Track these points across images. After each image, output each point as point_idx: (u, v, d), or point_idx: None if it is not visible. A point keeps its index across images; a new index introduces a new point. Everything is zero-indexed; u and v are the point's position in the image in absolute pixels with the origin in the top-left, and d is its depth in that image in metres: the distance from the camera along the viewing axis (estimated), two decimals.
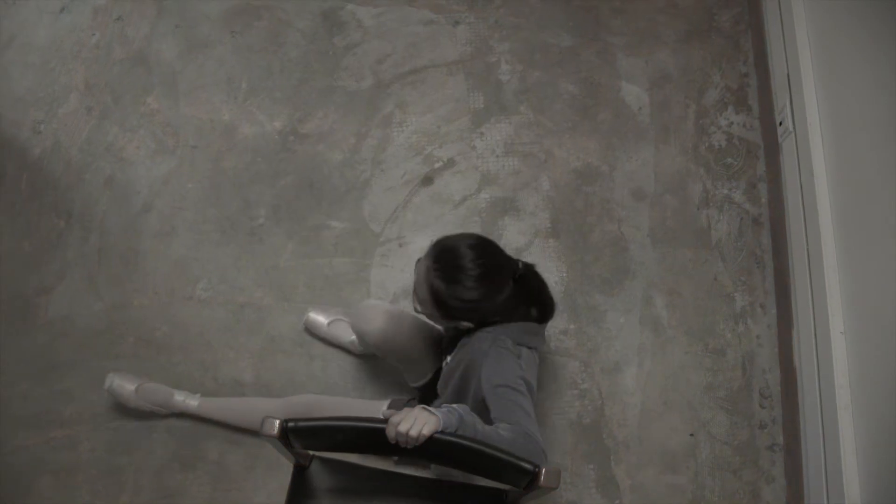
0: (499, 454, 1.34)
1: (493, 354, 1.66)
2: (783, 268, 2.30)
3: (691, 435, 2.21)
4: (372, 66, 2.65)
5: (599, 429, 2.21)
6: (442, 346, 1.97)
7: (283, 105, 2.60)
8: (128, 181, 2.51)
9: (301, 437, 1.40)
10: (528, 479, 1.35)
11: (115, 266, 2.40)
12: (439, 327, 2.00)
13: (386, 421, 1.36)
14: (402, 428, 1.34)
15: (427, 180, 2.49)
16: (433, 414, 1.38)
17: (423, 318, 1.79)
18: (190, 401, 2.14)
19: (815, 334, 2.03)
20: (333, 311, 2.28)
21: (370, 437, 1.39)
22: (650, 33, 2.69)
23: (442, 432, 1.37)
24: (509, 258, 1.72)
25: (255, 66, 2.66)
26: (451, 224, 2.43)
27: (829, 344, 1.94)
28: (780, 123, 2.36)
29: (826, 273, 1.99)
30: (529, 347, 1.74)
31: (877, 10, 1.93)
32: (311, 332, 2.29)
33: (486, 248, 1.67)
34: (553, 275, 2.36)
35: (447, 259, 1.64)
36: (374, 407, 2.01)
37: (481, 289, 1.63)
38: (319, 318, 2.26)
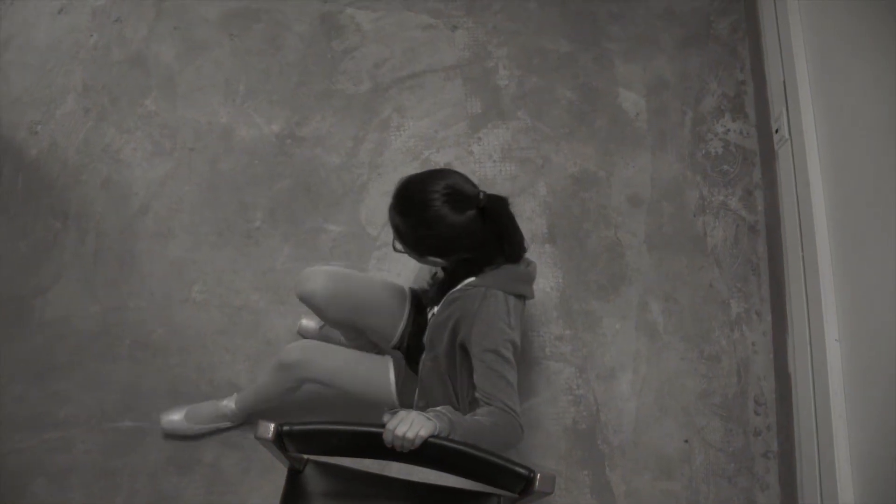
0: (493, 459, 1.34)
1: (483, 314, 1.62)
2: (779, 275, 2.30)
3: (686, 441, 2.21)
4: (370, 70, 2.65)
5: (594, 435, 2.21)
6: (421, 298, 1.94)
7: (281, 108, 2.60)
8: (125, 183, 2.51)
9: (296, 440, 1.40)
10: (522, 483, 1.35)
11: (112, 268, 2.40)
12: (401, 285, 1.97)
13: (381, 425, 1.36)
14: (399, 431, 1.34)
15: None
16: (429, 419, 1.39)
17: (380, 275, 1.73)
18: (231, 403, 2.13)
19: (810, 341, 2.04)
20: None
21: (365, 441, 1.39)
22: (648, 40, 2.70)
23: (437, 436, 1.37)
24: (473, 188, 1.61)
25: (253, 69, 2.66)
26: None
27: (824, 351, 1.94)
28: (777, 131, 2.37)
29: (821, 280, 2.00)
30: (518, 296, 1.69)
31: (872, 19, 1.94)
32: (306, 337, 2.29)
33: (449, 181, 1.58)
34: (549, 280, 2.36)
35: (402, 192, 1.60)
36: (375, 359, 1.95)
37: (440, 219, 1.55)
38: (311, 325, 2.28)
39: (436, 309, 1.78)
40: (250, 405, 2.09)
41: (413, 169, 2.50)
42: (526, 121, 2.58)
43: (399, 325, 1.95)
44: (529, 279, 1.78)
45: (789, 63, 2.29)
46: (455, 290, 1.72)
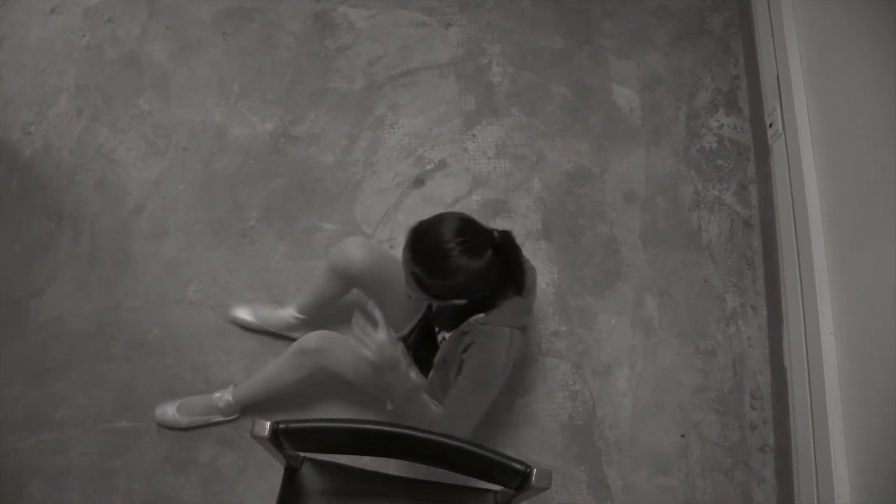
0: (490, 455, 1.34)
1: (486, 349, 1.70)
2: (774, 269, 2.31)
3: (682, 436, 2.21)
4: (364, 68, 2.65)
5: (591, 430, 2.22)
6: (434, 316, 1.98)
7: (275, 107, 2.60)
8: (119, 183, 2.50)
9: (292, 438, 1.39)
10: (519, 479, 1.35)
11: (107, 268, 2.39)
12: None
13: (377, 423, 1.36)
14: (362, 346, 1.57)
15: (419, 182, 2.49)
16: (393, 351, 1.59)
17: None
18: (226, 396, 2.13)
19: (806, 335, 2.04)
20: (250, 302, 2.32)
21: (362, 439, 1.39)
22: (641, 36, 2.70)
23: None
24: (484, 230, 1.65)
25: (247, 68, 2.66)
26: None
27: (819, 345, 1.95)
28: (771, 125, 2.37)
29: (816, 274, 2.00)
30: (522, 328, 1.76)
31: (865, 13, 1.95)
32: (244, 326, 2.30)
33: (460, 226, 1.61)
34: (545, 276, 2.36)
35: (417, 245, 1.62)
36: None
37: (460, 268, 1.58)
38: (243, 312, 2.29)
39: (446, 334, 1.84)
40: (252, 395, 2.10)
41: (407, 166, 2.50)
42: (520, 117, 2.58)
43: (413, 318, 2.02)
44: (529, 309, 1.83)
45: (783, 57, 2.30)
46: (467, 323, 1.75)
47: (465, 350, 1.73)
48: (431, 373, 1.89)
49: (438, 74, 2.64)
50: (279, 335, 2.26)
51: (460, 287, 1.63)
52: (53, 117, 2.59)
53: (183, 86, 2.63)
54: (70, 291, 2.36)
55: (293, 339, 2.06)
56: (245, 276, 2.38)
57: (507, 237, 1.65)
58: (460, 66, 2.65)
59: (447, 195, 2.47)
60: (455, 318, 1.79)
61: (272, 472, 2.05)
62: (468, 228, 1.61)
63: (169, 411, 2.17)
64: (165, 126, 2.58)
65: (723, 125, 2.58)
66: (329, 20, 2.72)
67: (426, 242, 1.61)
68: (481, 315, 1.73)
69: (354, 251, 1.98)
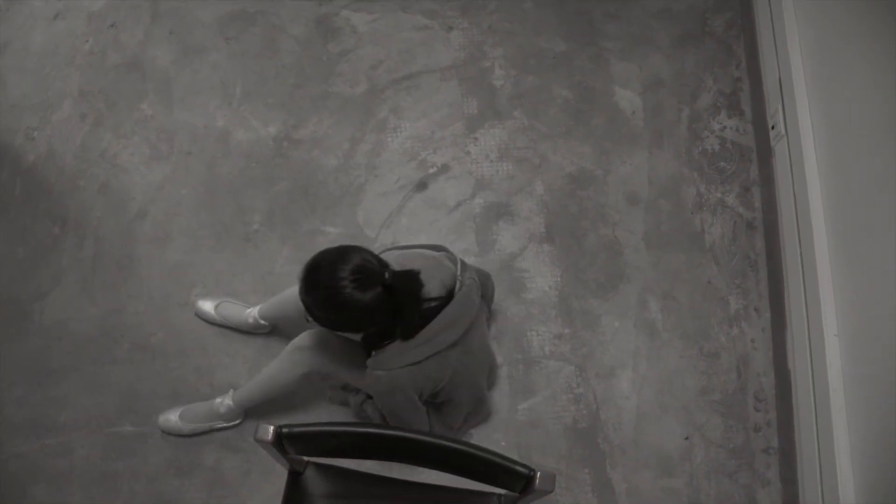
0: (494, 458, 1.34)
1: (383, 396, 1.81)
2: (777, 271, 2.30)
3: (686, 438, 2.21)
4: (366, 72, 2.65)
5: (595, 433, 2.21)
6: None
7: (278, 111, 2.60)
8: (122, 187, 2.51)
9: (295, 442, 1.39)
10: (523, 482, 1.34)
11: (110, 272, 2.40)
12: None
13: (380, 426, 1.37)
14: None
15: (421, 185, 2.50)
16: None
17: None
18: (226, 400, 2.13)
19: (809, 337, 2.04)
20: (219, 296, 2.34)
21: (365, 442, 1.39)
22: (644, 38, 2.70)
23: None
24: (376, 266, 1.62)
25: (250, 72, 2.66)
26: (445, 229, 2.43)
27: (823, 346, 1.94)
28: (773, 127, 2.37)
29: (819, 275, 2.00)
30: (417, 362, 1.75)
31: (867, 14, 1.95)
32: (205, 319, 2.32)
33: (347, 259, 1.61)
34: (547, 279, 2.36)
35: (311, 276, 1.62)
36: None
37: (347, 304, 1.58)
38: (206, 305, 2.31)
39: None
40: (252, 398, 2.10)
41: (410, 170, 2.51)
42: (522, 120, 2.58)
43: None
44: (444, 327, 1.76)
45: (784, 59, 2.30)
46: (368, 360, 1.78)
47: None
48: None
49: (440, 78, 2.65)
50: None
51: (349, 321, 1.64)
52: (57, 122, 2.60)
53: (186, 90, 2.64)
54: (74, 295, 2.37)
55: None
56: (249, 280, 2.38)
57: (401, 277, 1.63)
58: (462, 70, 2.66)
59: (450, 198, 2.47)
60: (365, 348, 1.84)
61: (276, 476, 2.06)
62: (363, 265, 1.60)
63: (172, 419, 2.18)
64: (168, 130, 2.58)
65: (725, 127, 2.57)
66: (331, 24, 2.73)
67: (320, 275, 1.61)
68: (370, 359, 1.76)
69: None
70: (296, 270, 2.34)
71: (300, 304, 2.02)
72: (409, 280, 1.66)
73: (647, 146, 2.54)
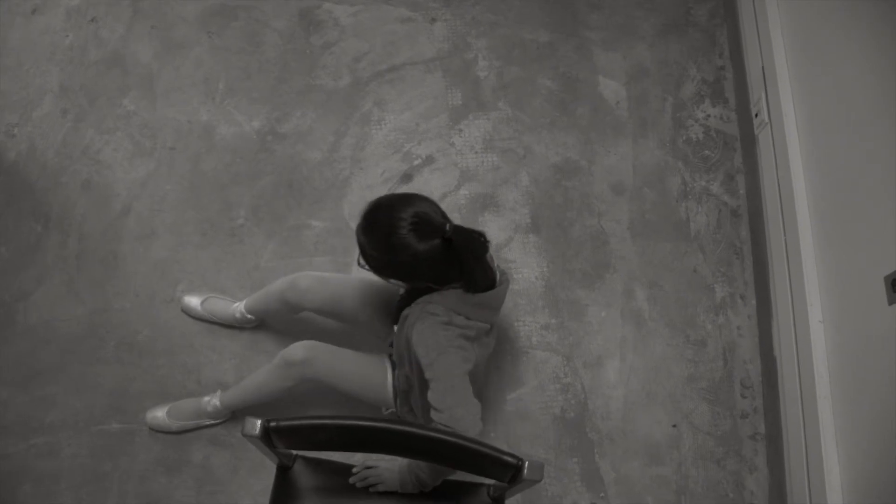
0: (482, 448, 1.34)
1: (419, 331, 1.65)
2: (762, 258, 2.32)
3: (674, 426, 2.22)
4: (349, 65, 2.65)
5: (583, 422, 2.22)
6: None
7: (261, 105, 2.59)
8: (106, 184, 2.49)
9: (283, 436, 1.39)
10: (511, 472, 1.35)
11: (95, 270, 2.38)
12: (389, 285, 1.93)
13: (367, 419, 1.36)
14: (367, 483, 1.66)
15: (406, 177, 2.49)
16: (394, 476, 1.64)
17: (365, 274, 1.73)
18: (214, 400, 2.12)
19: (795, 324, 2.05)
20: (205, 292, 2.33)
21: (352, 435, 1.39)
22: (627, 28, 2.70)
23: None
24: (437, 218, 1.60)
25: (233, 67, 2.65)
26: None
27: (808, 333, 1.96)
28: (756, 115, 2.38)
29: (804, 262, 2.01)
30: (467, 318, 1.69)
31: (849, 3, 1.95)
32: (191, 315, 2.31)
33: (409, 203, 1.59)
34: (534, 270, 2.37)
35: (371, 215, 1.61)
36: (375, 361, 1.97)
37: (403, 247, 1.56)
38: (192, 301, 2.30)
39: (395, 327, 1.81)
40: (240, 401, 2.09)
41: (395, 162, 2.50)
42: (507, 111, 2.58)
43: (390, 337, 1.95)
44: (483, 301, 1.73)
45: (767, 47, 2.31)
46: (408, 308, 1.73)
47: (408, 347, 1.71)
48: (396, 372, 1.88)
49: (424, 70, 2.64)
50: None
51: (401, 266, 1.61)
52: (38, 119, 2.58)
53: (168, 85, 2.62)
54: (59, 294, 2.35)
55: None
56: (234, 275, 2.37)
57: (462, 233, 1.60)
58: (446, 61, 2.65)
59: (435, 190, 2.47)
60: (400, 304, 1.78)
61: (265, 471, 2.06)
62: (424, 212, 1.58)
63: (159, 416, 2.17)
64: (151, 126, 2.57)
65: (709, 116, 2.58)
66: (314, 17, 2.71)
67: (379, 214, 1.60)
68: (420, 299, 1.71)
69: (306, 292, 2.00)
70: (281, 265, 2.37)
71: (287, 298, 2.03)
72: (473, 240, 1.62)
73: (632, 136, 2.55)
